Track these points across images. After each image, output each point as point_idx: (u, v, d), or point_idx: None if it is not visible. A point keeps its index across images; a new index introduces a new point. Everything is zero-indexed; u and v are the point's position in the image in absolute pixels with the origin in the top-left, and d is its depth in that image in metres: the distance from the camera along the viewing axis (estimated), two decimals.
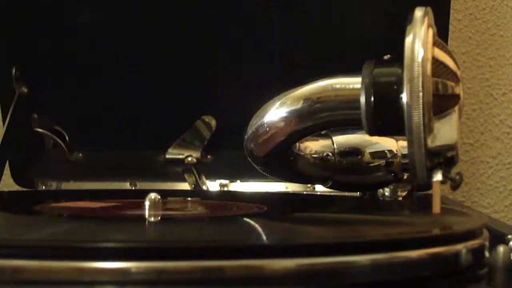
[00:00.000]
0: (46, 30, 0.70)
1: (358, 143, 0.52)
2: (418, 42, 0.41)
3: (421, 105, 0.40)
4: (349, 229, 0.43)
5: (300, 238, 0.38)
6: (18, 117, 0.69)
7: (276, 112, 0.47)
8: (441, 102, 0.41)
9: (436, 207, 0.42)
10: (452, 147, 0.41)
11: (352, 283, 0.33)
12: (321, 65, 0.67)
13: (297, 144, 0.51)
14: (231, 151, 0.68)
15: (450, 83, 0.41)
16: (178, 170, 0.70)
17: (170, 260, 0.31)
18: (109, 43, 0.70)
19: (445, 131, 0.41)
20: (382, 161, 0.52)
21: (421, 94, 0.40)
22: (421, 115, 0.40)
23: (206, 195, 0.65)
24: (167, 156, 0.71)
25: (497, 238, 0.42)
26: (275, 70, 0.69)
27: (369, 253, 0.33)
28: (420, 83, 0.40)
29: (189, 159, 0.70)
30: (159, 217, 0.46)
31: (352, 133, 0.52)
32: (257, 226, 0.44)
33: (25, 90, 0.71)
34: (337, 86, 0.45)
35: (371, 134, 0.44)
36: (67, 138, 0.73)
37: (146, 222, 0.44)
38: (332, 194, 0.63)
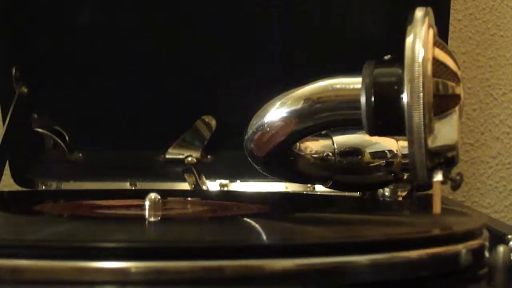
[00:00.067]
0: (46, 30, 0.70)
1: (358, 143, 0.52)
2: (419, 42, 0.41)
3: (421, 106, 0.40)
4: (349, 229, 0.43)
5: (300, 238, 0.38)
6: (18, 117, 0.69)
7: (276, 112, 0.47)
8: (442, 103, 0.41)
9: (437, 207, 0.42)
10: (452, 147, 0.41)
11: (352, 283, 0.33)
12: (321, 65, 0.67)
13: (297, 144, 0.51)
14: (231, 151, 0.68)
15: (450, 83, 0.41)
16: (178, 170, 0.70)
17: (170, 260, 0.31)
18: (109, 43, 0.70)
19: (446, 132, 0.41)
20: (382, 161, 0.52)
21: (421, 94, 0.40)
22: (422, 116, 0.40)
23: (206, 195, 0.65)
24: (167, 156, 0.71)
25: (497, 238, 0.42)
26: (275, 70, 0.69)
27: (369, 253, 0.33)
28: (421, 84, 0.40)
29: (189, 159, 0.69)
30: (159, 217, 0.46)
31: (352, 133, 0.52)
32: (257, 226, 0.44)
33: (25, 90, 0.71)
34: (338, 86, 0.45)
35: (371, 134, 0.44)
36: (67, 138, 0.73)
37: (146, 222, 0.44)
38: (332, 194, 0.63)
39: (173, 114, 0.71)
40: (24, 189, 0.72)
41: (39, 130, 0.72)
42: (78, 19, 0.70)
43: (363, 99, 0.43)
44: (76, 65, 0.70)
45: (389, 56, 0.44)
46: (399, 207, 0.55)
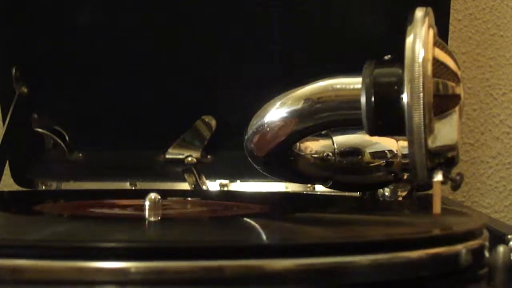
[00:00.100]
0: (46, 30, 0.70)
1: (358, 143, 0.52)
2: (419, 42, 0.41)
3: (421, 106, 0.40)
4: (349, 229, 0.43)
5: (300, 238, 0.38)
6: (18, 117, 0.69)
7: (276, 112, 0.47)
8: (442, 103, 0.41)
9: (437, 208, 0.42)
10: (452, 147, 0.41)
11: (352, 283, 0.33)
12: (321, 65, 0.67)
13: (297, 144, 0.51)
14: (231, 151, 0.68)
15: (450, 84, 0.41)
16: (178, 170, 0.70)
17: (170, 260, 0.31)
18: (109, 43, 0.70)
19: (446, 132, 0.41)
20: (382, 161, 0.52)
21: (421, 94, 0.40)
22: (422, 116, 0.40)
23: (206, 195, 0.65)
24: (167, 156, 0.71)
25: (497, 238, 0.42)
26: (275, 70, 0.69)
27: (369, 253, 0.33)
28: (421, 84, 0.40)
29: (189, 159, 0.69)
30: (159, 217, 0.46)
31: (352, 133, 0.52)
32: (257, 226, 0.44)
33: (25, 90, 0.71)
34: (338, 86, 0.45)
35: (372, 134, 0.44)
36: (67, 138, 0.73)
37: (146, 222, 0.44)
38: (332, 194, 0.63)
39: (173, 114, 0.71)
40: (24, 189, 0.72)
41: (39, 130, 0.72)
42: (78, 19, 0.70)
43: (363, 99, 0.43)
44: (76, 65, 0.70)
45: (389, 56, 0.44)
46: (399, 207, 0.55)
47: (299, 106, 0.46)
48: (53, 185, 0.73)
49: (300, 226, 0.45)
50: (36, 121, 0.71)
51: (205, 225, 0.45)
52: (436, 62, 0.41)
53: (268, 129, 0.48)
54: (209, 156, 0.71)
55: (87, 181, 0.72)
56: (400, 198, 0.56)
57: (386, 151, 0.52)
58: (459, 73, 0.42)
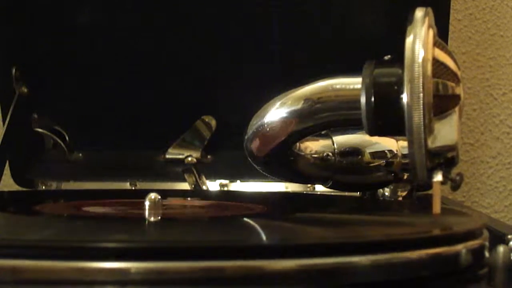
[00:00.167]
0: (46, 30, 0.70)
1: (358, 143, 0.52)
2: (419, 42, 0.41)
3: (421, 106, 0.40)
4: (349, 230, 0.43)
5: (300, 238, 0.38)
6: (18, 117, 0.69)
7: (276, 112, 0.47)
8: (442, 103, 0.41)
9: (436, 208, 0.42)
10: (452, 147, 0.41)
11: (352, 283, 0.33)
12: (321, 65, 0.67)
13: (297, 144, 0.51)
14: (231, 151, 0.68)
15: (450, 84, 0.41)
16: (178, 170, 0.70)
17: (170, 260, 0.31)
18: (109, 43, 0.70)
19: (446, 132, 0.41)
20: (382, 161, 0.52)
21: (421, 94, 0.40)
22: (422, 116, 0.40)
23: (206, 195, 0.65)
24: (167, 156, 0.71)
25: (497, 238, 0.42)
26: (275, 70, 0.69)
27: (369, 254, 0.33)
28: (421, 84, 0.40)
29: (189, 159, 0.69)
30: (159, 217, 0.46)
31: (352, 133, 0.53)
32: (257, 226, 0.44)
33: (25, 90, 0.71)
34: (338, 86, 0.45)
35: (371, 134, 0.44)
36: (67, 138, 0.73)
37: (146, 222, 0.44)
38: (332, 194, 0.63)
39: (173, 114, 0.71)
40: (24, 189, 0.72)
41: (39, 130, 0.72)
42: (78, 19, 0.69)
43: (363, 99, 0.43)
44: (76, 65, 0.70)
45: (389, 56, 0.44)
46: (399, 207, 0.55)
47: (299, 106, 0.46)
48: (53, 185, 0.73)
49: (300, 226, 0.45)
50: (36, 121, 0.71)
51: (205, 225, 0.45)
52: (436, 62, 0.41)
53: (268, 129, 0.48)
54: (209, 156, 0.71)
55: (87, 181, 0.73)
56: (400, 198, 0.56)
57: (386, 151, 0.52)
58: (459, 73, 0.42)
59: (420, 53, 0.40)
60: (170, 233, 0.42)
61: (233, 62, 0.70)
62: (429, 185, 0.43)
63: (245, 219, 0.47)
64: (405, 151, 0.51)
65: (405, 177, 0.54)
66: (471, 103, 0.81)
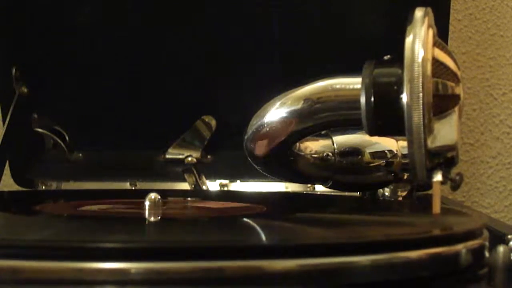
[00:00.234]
0: (46, 30, 0.70)
1: (358, 143, 0.52)
2: (418, 42, 0.41)
3: (421, 106, 0.40)
4: (349, 230, 0.43)
5: (300, 239, 0.38)
6: (18, 117, 0.69)
7: (276, 112, 0.47)
8: (441, 103, 0.41)
9: (436, 207, 0.42)
10: (452, 147, 0.41)
11: (352, 283, 0.33)
12: (321, 65, 0.67)
13: (297, 144, 0.51)
14: (231, 151, 0.68)
15: (450, 84, 0.41)
16: (178, 170, 0.70)
17: (170, 261, 0.31)
18: (109, 43, 0.70)
19: (445, 132, 0.41)
20: (382, 161, 0.52)
21: (421, 94, 0.40)
22: (421, 116, 0.40)
23: (206, 195, 0.65)
24: (167, 156, 0.71)
25: (497, 238, 0.42)
26: (275, 70, 0.69)
27: (369, 254, 0.33)
28: (420, 84, 0.40)
29: (189, 159, 0.70)
30: (159, 217, 0.46)
31: (352, 133, 0.52)
32: (257, 226, 0.44)
33: (25, 90, 0.71)
34: (337, 86, 0.45)
35: (371, 134, 0.44)
36: (67, 138, 0.73)
37: (146, 222, 0.44)
38: (332, 194, 0.63)
39: (173, 114, 0.71)
40: (24, 189, 0.72)
41: (39, 130, 0.72)
42: (78, 19, 0.69)
43: (363, 99, 0.43)
44: (76, 65, 0.70)
45: (389, 56, 0.44)
46: (399, 207, 0.55)
47: (299, 106, 0.46)
48: (53, 185, 0.73)
49: (300, 226, 0.45)
50: (36, 121, 0.71)
51: (205, 225, 0.45)
52: (436, 62, 0.41)
53: (268, 129, 0.48)
54: (209, 156, 0.71)
55: (87, 181, 0.73)
56: (400, 198, 0.56)
57: (386, 151, 0.52)
58: (458, 73, 0.42)
59: (419, 53, 0.40)
60: (170, 233, 0.42)
61: (233, 62, 0.69)
62: (429, 185, 0.43)
63: (245, 219, 0.47)
64: (405, 151, 0.51)
65: (405, 177, 0.54)
66: (471, 103, 0.81)
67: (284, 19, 0.68)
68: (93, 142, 0.73)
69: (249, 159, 0.51)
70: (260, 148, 0.49)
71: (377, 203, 0.56)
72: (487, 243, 0.39)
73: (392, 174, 0.53)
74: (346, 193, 0.61)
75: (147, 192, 0.47)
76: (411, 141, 0.41)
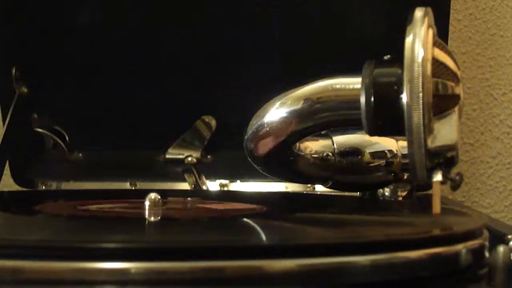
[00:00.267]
0: (46, 30, 0.70)
1: (358, 143, 0.52)
2: (418, 42, 0.41)
3: (421, 106, 0.40)
4: (349, 230, 0.43)
5: (300, 239, 0.38)
6: (18, 117, 0.69)
7: (276, 112, 0.47)
8: (441, 103, 0.41)
9: (436, 207, 0.42)
10: (452, 147, 0.41)
11: (352, 283, 0.33)
12: (321, 65, 0.67)
13: (297, 144, 0.51)
14: (231, 151, 0.68)
15: (450, 84, 0.41)
16: (178, 170, 0.70)
17: (170, 261, 0.31)
18: (109, 43, 0.70)
19: (445, 132, 0.41)
20: (382, 161, 0.52)
21: (421, 94, 0.40)
22: (421, 116, 0.40)
23: (206, 195, 0.65)
24: (167, 156, 0.71)
25: (497, 238, 0.42)
26: (275, 70, 0.69)
27: (369, 254, 0.33)
28: (420, 84, 0.40)
29: (189, 159, 0.70)
30: (159, 217, 0.46)
31: (352, 133, 0.53)
32: (257, 226, 0.44)
33: (25, 90, 0.71)
34: (337, 86, 0.45)
35: (371, 134, 0.44)
36: (67, 138, 0.73)
37: (146, 222, 0.44)
38: (332, 194, 0.63)
39: (173, 114, 0.71)
40: (24, 189, 0.72)
41: (39, 130, 0.72)
42: (78, 19, 0.70)
43: (363, 99, 0.43)
44: (76, 65, 0.70)
45: (389, 56, 0.44)
46: (399, 207, 0.55)
47: (298, 106, 0.46)
48: (53, 185, 0.73)
49: (300, 226, 0.45)
50: (36, 121, 0.72)
51: (205, 225, 0.45)
52: (436, 62, 0.41)
53: (268, 129, 0.48)
54: (209, 156, 0.71)
55: (87, 181, 0.73)
56: (400, 198, 0.56)
57: (386, 151, 0.52)
58: (458, 73, 0.42)
59: (419, 53, 0.40)
60: (170, 233, 0.42)
61: (233, 62, 0.69)
62: (429, 185, 0.43)
63: (245, 219, 0.47)
64: (405, 151, 0.51)
65: (405, 177, 0.54)
66: (471, 103, 0.81)
67: (284, 19, 0.68)
68: (93, 142, 0.73)
69: (249, 159, 0.51)
70: (260, 148, 0.49)
71: (377, 203, 0.56)
72: (487, 243, 0.39)
73: (392, 174, 0.53)
74: (346, 193, 0.61)
75: (147, 192, 0.47)
76: (411, 141, 0.41)
